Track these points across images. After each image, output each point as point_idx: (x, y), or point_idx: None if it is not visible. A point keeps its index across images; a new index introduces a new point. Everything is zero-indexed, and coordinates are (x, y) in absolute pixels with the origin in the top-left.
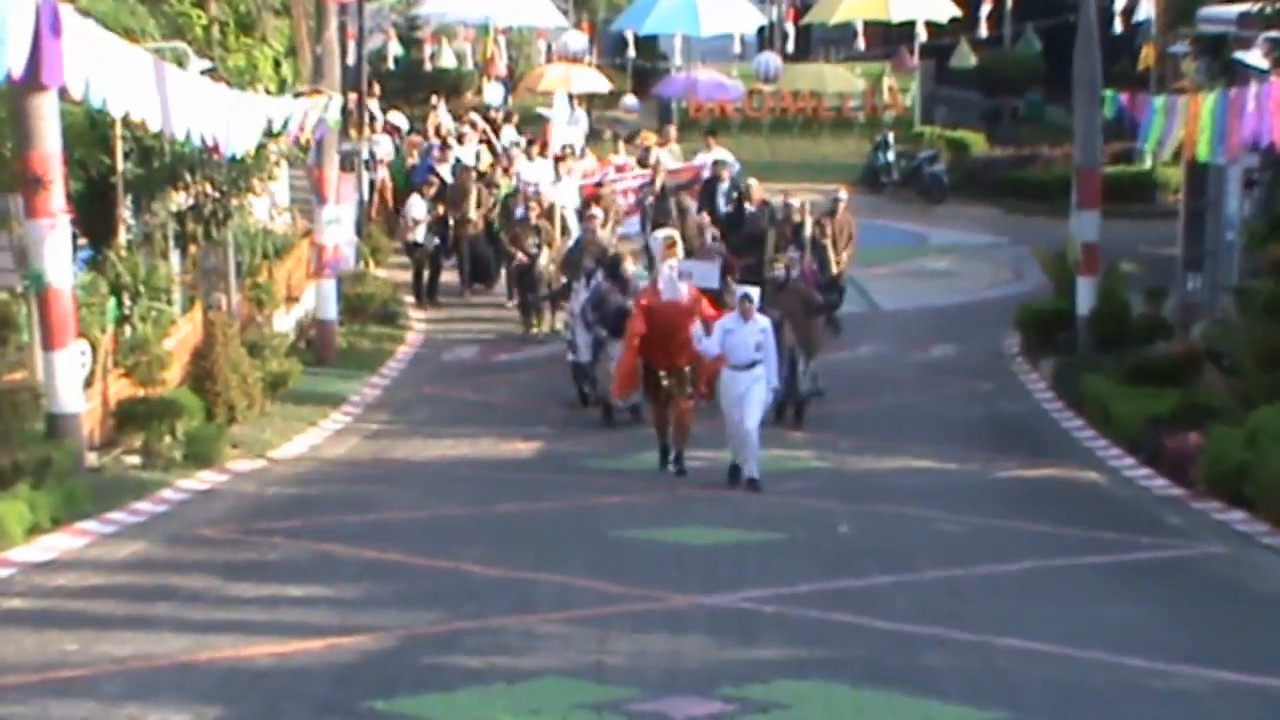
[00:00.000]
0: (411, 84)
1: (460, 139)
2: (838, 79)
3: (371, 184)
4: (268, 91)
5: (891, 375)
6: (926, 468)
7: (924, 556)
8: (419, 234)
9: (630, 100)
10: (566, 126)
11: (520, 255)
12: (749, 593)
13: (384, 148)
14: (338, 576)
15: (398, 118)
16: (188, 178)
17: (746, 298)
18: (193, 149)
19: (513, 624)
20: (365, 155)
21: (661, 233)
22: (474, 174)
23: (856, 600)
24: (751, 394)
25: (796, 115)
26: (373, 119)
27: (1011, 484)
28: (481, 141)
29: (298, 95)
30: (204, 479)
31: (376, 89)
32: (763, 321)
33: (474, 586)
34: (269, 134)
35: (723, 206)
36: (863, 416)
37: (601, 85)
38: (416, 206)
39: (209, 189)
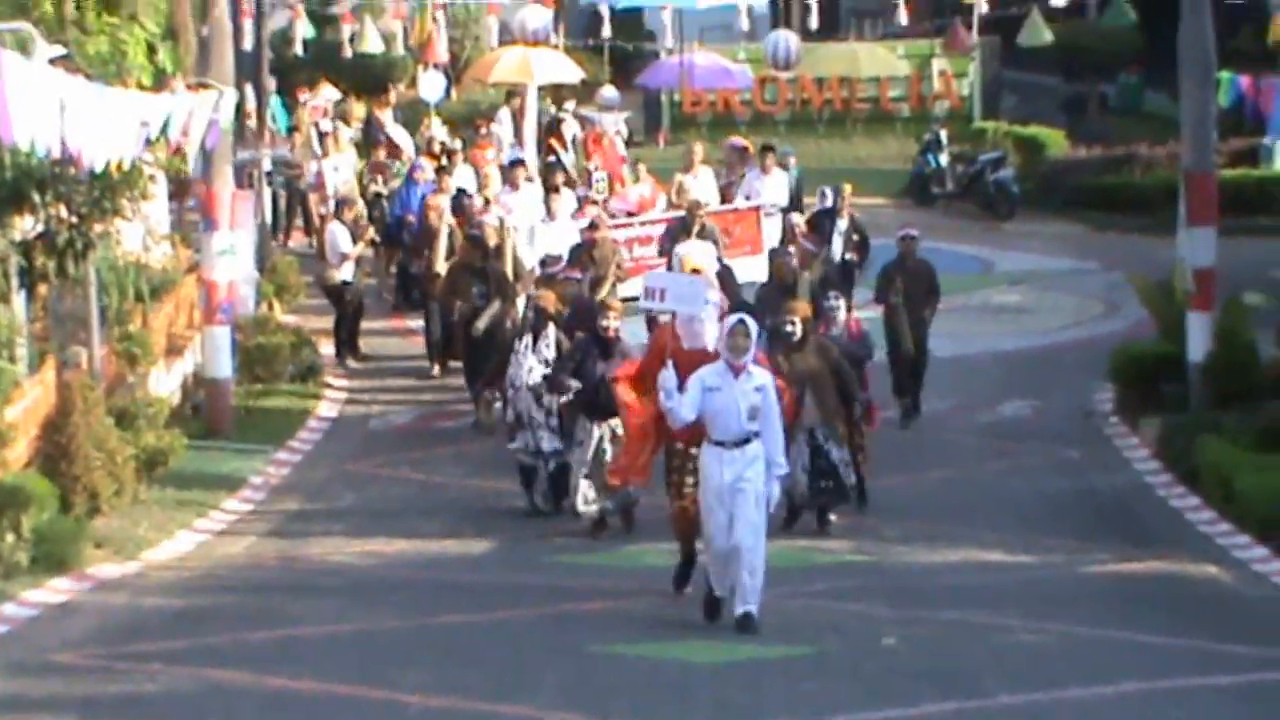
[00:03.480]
0: (325, 74)
1: (450, 157)
2: (874, 62)
3: (301, 210)
4: (140, 85)
5: (949, 440)
6: (995, 561)
7: (994, 677)
8: (347, 271)
9: (608, 93)
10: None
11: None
12: None
13: (343, 171)
14: (234, 713)
15: (402, 135)
16: (36, 198)
17: (742, 329)
18: (41, 161)
19: None
20: (268, 167)
21: (684, 248)
22: (442, 210)
23: None
24: (744, 494)
25: (821, 109)
26: (381, 140)
27: (1106, 581)
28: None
29: (189, 87)
30: (58, 588)
31: (392, 96)
32: (760, 376)
33: None
34: (146, 141)
35: (838, 251)
36: (912, 494)
37: (571, 74)
38: (342, 237)
39: (64, 212)
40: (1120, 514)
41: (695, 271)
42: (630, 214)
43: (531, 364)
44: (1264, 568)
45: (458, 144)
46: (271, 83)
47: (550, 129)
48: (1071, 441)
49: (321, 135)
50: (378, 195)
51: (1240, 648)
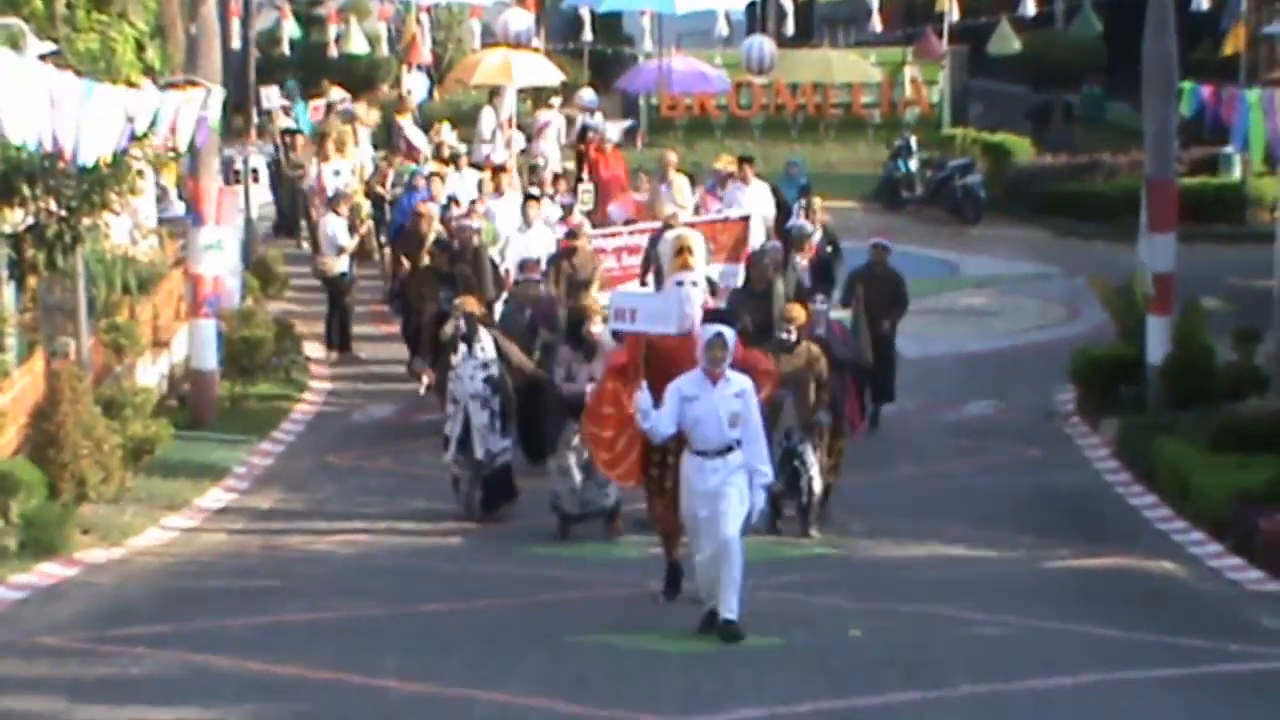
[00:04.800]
0: (311, 73)
1: (455, 162)
2: (847, 69)
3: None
4: (129, 82)
5: (915, 439)
6: (959, 555)
7: (957, 667)
8: (343, 263)
9: (586, 95)
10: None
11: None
12: (738, 713)
13: (343, 175)
14: (217, 696)
15: (421, 139)
16: (25, 191)
17: (719, 341)
18: (30, 155)
19: None
20: (255, 165)
21: (674, 233)
22: (432, 216)
23: None
24: (727, 494)
25: (795, 114)
26: (400, 145)
27: (1066, 576)
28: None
29: (167, 87)
30: (46, 573)
31: (411, 101)
32: (739, 382)
33: (391, 707)
34: (131, 136)
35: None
36: (879, 491)
37: (552, 77)
38: (339, 229)
39: (53, 205)
40: (1080, 511)
41: (686, 249)
42: (629, 220)
43: (471, 371)
44: (1218, 563)
45: (463, 148)
46: (296, 85)
47: (581, 137)
48: (1033, 441)
49: (322, 137)
50: (380, 198)
51: (1195, 640)
